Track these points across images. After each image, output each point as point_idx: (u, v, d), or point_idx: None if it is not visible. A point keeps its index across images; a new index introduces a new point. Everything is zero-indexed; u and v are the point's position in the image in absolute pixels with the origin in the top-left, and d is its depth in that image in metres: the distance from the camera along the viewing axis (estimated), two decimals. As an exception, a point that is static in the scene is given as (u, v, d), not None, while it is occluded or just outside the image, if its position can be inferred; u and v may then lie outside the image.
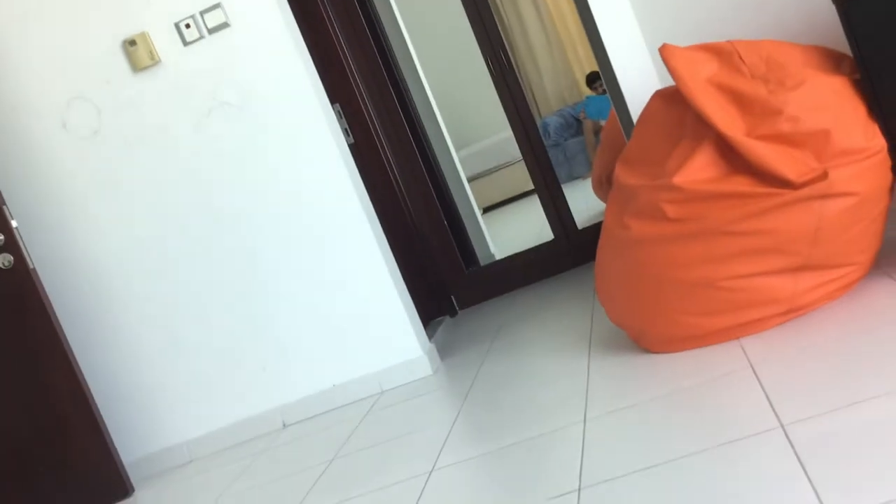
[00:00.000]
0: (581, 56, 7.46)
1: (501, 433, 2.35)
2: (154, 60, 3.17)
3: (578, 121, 7.14)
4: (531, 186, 4.40)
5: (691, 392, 2.10)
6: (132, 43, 3.16)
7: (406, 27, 4.67)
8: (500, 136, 7.06)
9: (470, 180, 5.09)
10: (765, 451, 1.67)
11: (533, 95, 7.54)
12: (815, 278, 2.26)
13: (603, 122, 6.75)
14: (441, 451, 2.40)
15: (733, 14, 2.76)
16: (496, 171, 7.03)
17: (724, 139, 2.22)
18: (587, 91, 7.28)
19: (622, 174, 2.51)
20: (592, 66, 7.23)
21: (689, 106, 2.32)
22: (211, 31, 3.13)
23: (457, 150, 4.95)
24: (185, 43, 3.15)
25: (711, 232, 2.26)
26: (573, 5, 7.49)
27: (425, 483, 2.21)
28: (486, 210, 6.64)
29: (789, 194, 2.16)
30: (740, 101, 2.26)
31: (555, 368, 2.72)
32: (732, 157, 2.24)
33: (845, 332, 2.10)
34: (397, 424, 2.81)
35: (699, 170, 2.27)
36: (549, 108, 7.54)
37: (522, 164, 4.34)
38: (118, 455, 3.16)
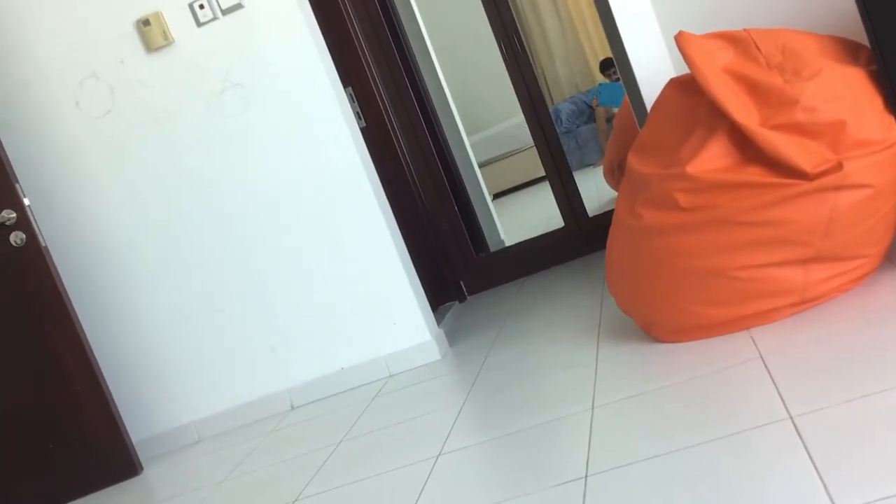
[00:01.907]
0: (595, 42, 7.42)
1: (509, 419, 2.35)
2: (167, 41, 3.17)
3: (591, 108, 7.11)
4: (542, 173, 4.39)
5: (700, 382, 2.10)
6: (146, 23, 3.16)
7: (420, 11, 4.66)
8: (512, 122, 7.05)
9: (481, 166, 5.08)
10: (774, 442, 1.67)
11: (546, 81, 7.51)
12: (827, 270, 2.25)
13: (615, 110, 6.73)
14: (448, 435, 2.41)
15: (750, 2, 2.73)
16: (507, 157, 7.02)
17: (738, 128, 2.21)
18: (600, 78, 7.25)
19: (635, 162, 2.50)
20: (606, 52, 7.19)
21: (703, 94, 2.31)
22: (224, 11, 3.13)
23: (468, 136, 4.94)
24: (199, 23, 3.15)
25: (723, 221, 2.25)
26: (587, -9, 7.44)
27: (432, 467, 2.22)
28: (496, 196, 6.64)
29: (803, 185, 2.15)
30: (756, 90, 2.25)
31: (563, 356, 2.72)
32: (746, 147, 2.23)
33: (856, 325, 2.09)
34: (405, 408, 2.82)
35: (712, 159, 2.26)
36: (561, 94, 7.51)
37: (533, 150, 4.33)
38: (127, 433, 3.18)
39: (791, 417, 1.74)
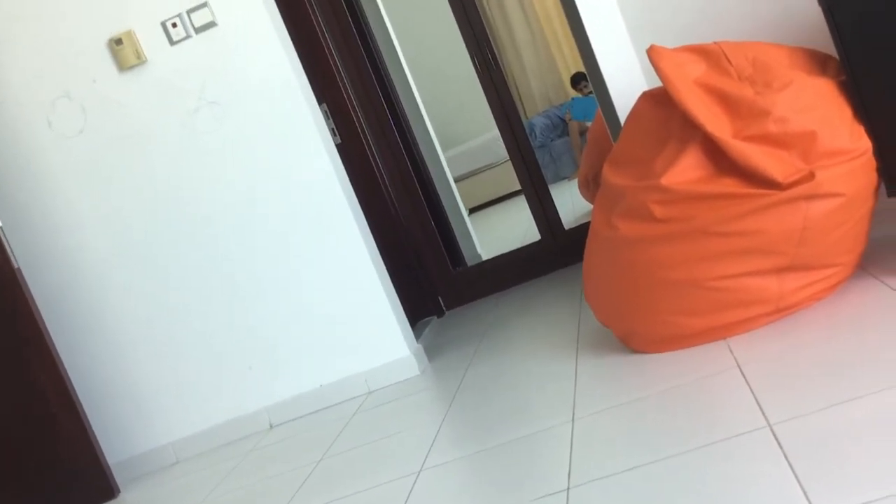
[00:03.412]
0: (567, 55, 7.47)
1: (490, 433, 2.35)
2: (140, 59, 3.16)
3: (565, 122, 7.15)
4: (517, 187, 4.41)
5: (679, 392, 2.11)
6: (118, 42, 3.14)
7: (393, 27, 4.67)
8: (486, 137, 7.09)
9: (456, 180, 5.10)
10: (753, 450, 1.68)
11: (519, 95, 7.55)
12: (802, 279, 2.27)
13: (588, 123, 6.77)
14: (429, 451, 2.40)
15: (720, 16, 2.77)
16: (482, 171, 7.05)
17: (711, 140, 2.24)
18: (573, 92, 7.30)
19: (610, 174, 2.52)
20: (578, 65, 7.25)
21: (676, 107, 2.33)
22: (198, 30, 3.12)
23: (443, 151, 4.95)
24: (172, 42, 3.14)
25: (698, 232, 2.27)
26: (558, 4, 7.52)
27: (413, 483, 2.21)
28: (472, 210, 6.65)
29: (776, 195, 2.17)
30: (727, 102, 2.28)
31: (543, 369, 2.72)
32: (720, 158, 2.25)
33: (831, 333, 2.11)
34: (385, 425, 2.81)
35: (686, 170, 2.28)
36: (534, 108, 7.55)
37: (508, 164, 4.36)
38: (104, 456, 3.14)
39: (770, 426, 1.75)
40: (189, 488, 2.97)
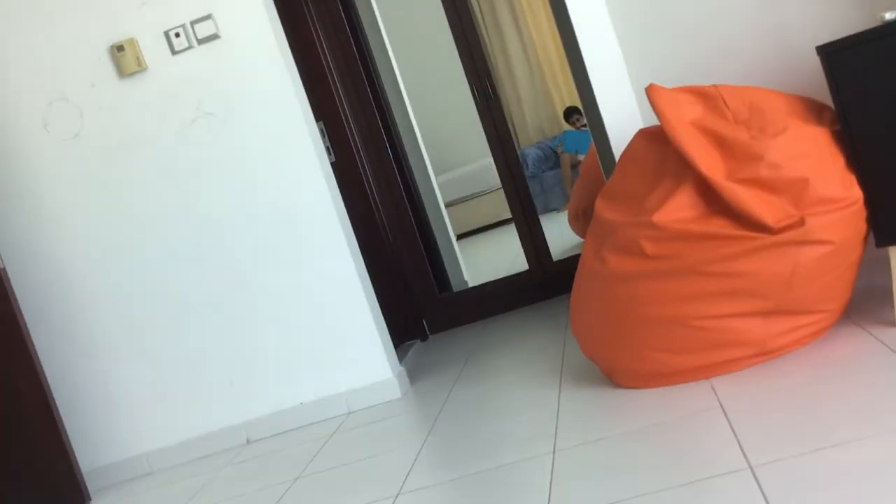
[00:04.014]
0: (562, 89, 7.54)
1: (470, 460, 2.34)
2: (141, 67, 3.16)
3: (557, 154, 7.20)
4: (506, 216, 4.42)
5: (662, 429, 2.11)
6: (120, 48, 3.15)
7: (394, 51, 4.70)
8: (478, 164, 7.11)
9: (446, 206, 5.11)
10: (734, 490, 1.69)
11: (513, 125, 7.60)
12: (787, 323, 2.29)
13: (580, 157, 6.82)
14: (408, 475, 2.39)
15: (720, 59, 2.81)
16: (472, 198, 7.06)
17: (704, 181, 2.26)
18: (566, 125, 7.35)
19: (602, 209, 2.54)
20: (573, 99, 7.31)
21: (672, 146, 2.36)
22: (200, 41, 3.13)
23: (435, 175, 4.97)
24: (174, 52, 3.14)
25: (687, 271, 2.28)
26: (557, 38, 7.58)
27: (391, 507, 2.20)
28: (460, 237, 6.67)
29: (766, 239, 2.20)
30: (722, 144, 2.30)
31: (525, 398, 2.72)
32: (712, 199, 2.27)
33: (814, 378, 2.13)
34: (364, 446, 2.79)
35: (679, 209, 2.30)
36: (528, 138, 7.60)
37: (498, 193, 4.37)
38: (77, 463, 3.11)
39: (751, 467, 1.76)
40: (161, 501, 2.94)
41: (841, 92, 2.24)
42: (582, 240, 5.05)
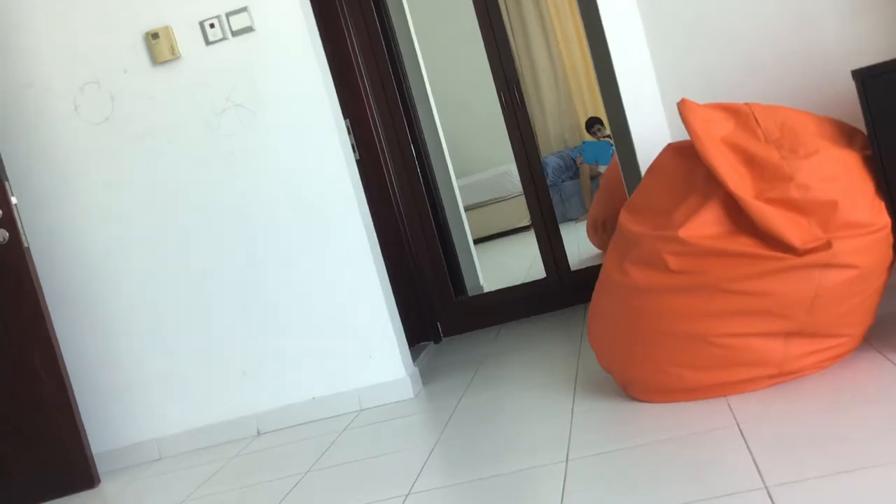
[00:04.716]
0: (586, 99, 7.54)
1: (481, 464, 2.34)
2: (174, 55, 3.18)
3: (576, 164, 7.20)
4: (524, 223, 4.43)
5: (677, 444, 2.11)
6: (155, 36, 3.17)
7: (422, 54, 4.72)
8: (498, 170, 7.12)
9: (465, 210, 5.12)
10: (748, 510, 1.69)
11: (535, 133, 7.60)
12: (808, 345, 2.28)
13: (600, 168, 6.82)
14: (418, 476, 2.39)
15: (752, 77, 2.81)
16: (490, 203, 7.07)
17: (732, 198, 2.26)
18: (588, 136, 7.35)
19: (627, 221, 2.54)
20: (596, 111, 7.31)
21: (701, 162, 2.36)
22: (235, 33, 3.15)
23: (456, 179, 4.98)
24: (208, 42, 3.17)
25: (710, 288, 2.28)
26: (584, 49, 7.57)
27: (401, 506, 2.21)
28: (476, 241, 6.67)
29: (791, 260, 2.19)
30: (752, 163, 2.30)
31: (538, 406, 2.72)
32: (739, 217, 2.27)
33: (832, 402, 2.12)
34: (375, 444, 2.80)
35: (705, 225, 2.30)
36: (548, 147, 7.60)
37: (516, 200, 4.37)
38: (88, 445, 3.13)
39: (766, 487, 1.76)
40: (169, 487, 2.95)
41: (874, 117, 2.24)
42: (599, 251, 5.05)
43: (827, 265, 2.18)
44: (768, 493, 1.73)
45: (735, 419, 2.16)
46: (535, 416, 2.64)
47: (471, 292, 4.49)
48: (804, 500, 1.67)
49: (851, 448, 1.84)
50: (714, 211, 2.30)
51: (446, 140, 4.85)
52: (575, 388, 2.79)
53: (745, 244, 2.24)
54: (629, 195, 3.97)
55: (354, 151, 3.99)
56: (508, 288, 4.27)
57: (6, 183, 3.05)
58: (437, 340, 4.18)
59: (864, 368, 2.29)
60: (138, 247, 3.31)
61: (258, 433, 3.33)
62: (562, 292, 4.13)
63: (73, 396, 3.11)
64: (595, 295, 2.63)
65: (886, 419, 1.95)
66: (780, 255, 2.20)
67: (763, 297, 2.23)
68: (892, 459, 1.74)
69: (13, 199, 3.05)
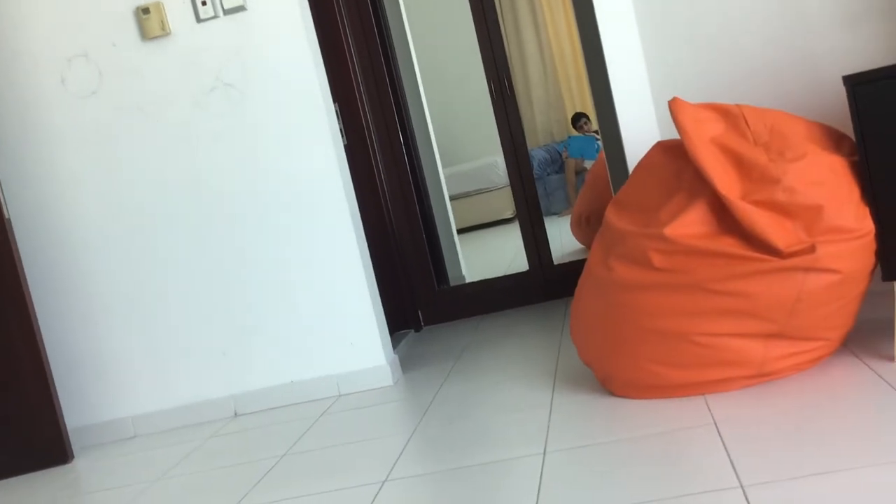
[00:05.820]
0: (575, 94, 7.55)
1: (459, 454, 2.35)
2: (164, 31, 3.15)
3: (562, 157, 7.21)
4: (507, 214, 4.43)
5: (654, 440, 2.12)
6: (145, 11, 3.14)
7: (414, 42, 4.70)
8: (484, 161, 7.13)
9: (450, 199, 5.12)
10: (723, 508, 1.70)
11: (522, 126, 7.61)
12: (787, 347, 2.30)
13: (585, 162, 6.84)
14: (396, 462, 2.40)
15: (744, 79, 2.82)
16: (475, 194, 7.07)
17: (719, 198, 2.27)
18: (574, 130, 7.37)
19: (613, 216, 2.54)
20: (585, 106, 7.32)
21: (689, 161, 2.37)
22: (227, 11, 3.12)
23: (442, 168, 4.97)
24: (199, 19, 3.14)
25: (693, 286, 2.29)
26: (574, 43, 7.58)
27: (377, 492, 2.21)
28: (460, 231, 6.68)
29: (775, 262, 2.21)
30: (740, 164, 2.31)
31: (517, 397, 2.73)
32: (725, 218, 2.28)
33: (809, 404, 2.14)
34: (353, 430, 2.80)
35: (691, 224, 2.31)
36: (535, 140, 7.61)
37: (500, 192, 4.38)
38: (64, 422, 3.11)
39: (742, 487, 1.77)
40: (145, 465, 2.94)
41: (863, 123, 2.25)
42: (582, 246, 5.06)
43: (810, 269, 2.19)
44: (744, 492, 1.75)
45: (713, 418, 2.18)
46: (513, 407, 2.65)
47: (453, 282, 4.49)
48: (779, 499, 1.68)
49: (827, 450, 1.86)
50: (700, 210, 2.31)
51: (434, 129, 4.84)
52: (554, 382, 2.80)
53: (730, 245, 2.26)
54: (615, 191, 3.98)
55: (342, 136, 3.97)
56: (491, 279, 4.28)
57: (-11, 153, 3.01)
58: (417, 329, 4.18)
59: (841, 372, 2.31)
60: (120, 224, 3.28)
61: (235, 414, 3.32)
62: (544, 285, 4.14)
63: (50, 369, 3.08)
64: (578, 289, 2.64)
65: (862, 423, 1.97)
66: (763, 256, 2.22)
67: (745, 297, 2.24)
68: (867, 462, 1.76)
69: (-5, 170, 3.02)
